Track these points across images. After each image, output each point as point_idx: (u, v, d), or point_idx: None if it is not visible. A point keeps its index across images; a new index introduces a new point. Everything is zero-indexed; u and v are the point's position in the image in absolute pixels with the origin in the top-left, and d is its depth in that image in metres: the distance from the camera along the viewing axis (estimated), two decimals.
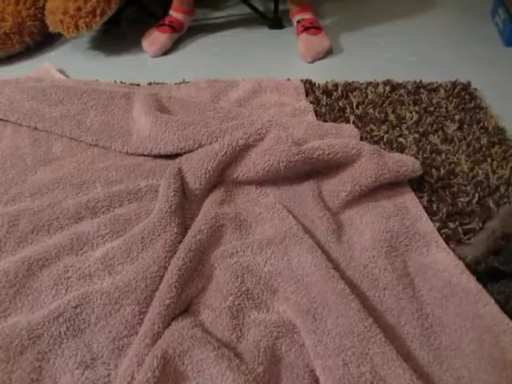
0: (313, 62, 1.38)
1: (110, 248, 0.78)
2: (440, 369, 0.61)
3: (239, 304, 0.68)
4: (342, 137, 0.99)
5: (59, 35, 1.44)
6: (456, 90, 1.20)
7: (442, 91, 1.20)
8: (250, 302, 0.69)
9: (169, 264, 0.73)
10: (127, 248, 0.77)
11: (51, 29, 1.40)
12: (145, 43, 1.45)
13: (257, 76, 1.26)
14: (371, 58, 1.40)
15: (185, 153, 0.94)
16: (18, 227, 0.82)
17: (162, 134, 0.97)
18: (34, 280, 0.74)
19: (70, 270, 0.75)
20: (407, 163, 0.89)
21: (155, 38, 1.45)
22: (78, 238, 0.80)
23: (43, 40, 1.50)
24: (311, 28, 1.42)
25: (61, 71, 1.35)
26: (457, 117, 1.11)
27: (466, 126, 1.08)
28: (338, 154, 0.88)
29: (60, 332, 0.66)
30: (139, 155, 0.99)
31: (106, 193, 0.88)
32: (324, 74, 1.31)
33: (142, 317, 0.68)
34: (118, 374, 0.61)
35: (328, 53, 1.41)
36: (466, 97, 1.17)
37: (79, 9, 1.34)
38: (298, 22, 1.47)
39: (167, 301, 0.66)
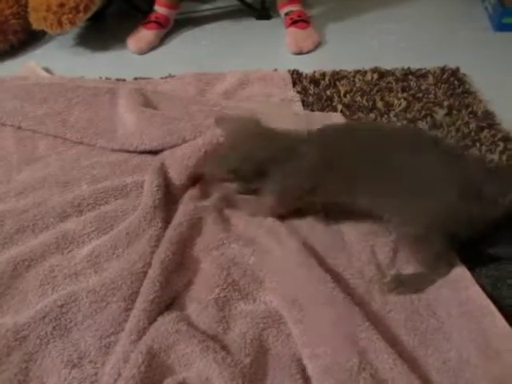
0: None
1: (96, 246, 0.77)
2: (426, 353, 0.61)
3: (225, 296, 0.67)
4: None
5: (44, 33, 1.43)
6: (445, 76, 1.19)
7: (430, 77, 1.19)
8: (237, 293, 0.68)
9: None
10: (113, 245, 0.76)
11: (35, 26, 1.38)
12: (131, 42, 1.43)
13: (245, 67, 1.25)
14: (359, 46, 1.39)
15: (170, 148, 0.93)
16: (2, 228, 0.81)
17: (146, 129, 0.96)
18: (20, 281, 0.74)
19: (56, 270, 0.74)
20: None
21: (142, 36, 1.44)
22: (63, 237, 0.79)
23: (28, 38, 1.48)
24: (299, 21, 1.41)
25: (46, 69, 1.33)
26: (445, 102, 1.10)
27: (454, 112, 1.07)
28: None
29: (46, 332, 0.65)
30: (125, 151, 0.98)
31: (91, 190, 0.87)
32: (312, 63, 1.29)
33: (128, 313, 0.67)
34: (105, 372, 0.61)
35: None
36: (455, 82, 1.16)
37: (62, 5, 1.33)
38: (287, 14, 1.46)
39: (151, 296, 0.65)
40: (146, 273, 0.70)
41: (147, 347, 0.60)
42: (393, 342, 0.60)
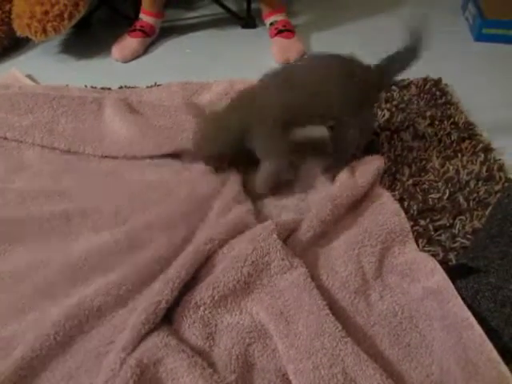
0: None
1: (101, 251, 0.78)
2: (410, 366, 0.62)
3: (211, 312, 0.67)
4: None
5: (28, 39, 1.41)
6: (427, 87, 1.21)
7: (413, 88, 1.21)
8: (222, 307, 0.68)
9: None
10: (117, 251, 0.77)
11: (18, 33, 1.37)
12: (115, 50, 1.43)
13: (230, 76, 1.25)
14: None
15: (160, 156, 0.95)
16: (10, 234, 0.81)
17: (137, 138, 0.97)
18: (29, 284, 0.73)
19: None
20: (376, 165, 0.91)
21: (126, 45, 1.43)
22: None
23: (11, 44, 1.47)
24: (284, 31, 1.42)
25: (29, 77, 1.32)
26: (428, 113, 1.12)
27: (437, 122, 1.09)
28: None
29: (51, 343, 0.65)
30: (113, 158, 0.97)
31: (83, 200, 0.87)
32: None
33: (127, 323, 0.67)
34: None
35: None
36: (437, 93, 1.19)
37: (46, 12, 1.32)
38: (271, 24, 1.47)
39: (144, 314, 0.65)
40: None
41: (136, 361, 0.60)
42: (377, 356, 0.61)
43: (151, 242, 0.78)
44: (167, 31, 1.54)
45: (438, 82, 1.23)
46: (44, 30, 1.34)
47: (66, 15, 1.34)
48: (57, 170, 0.95)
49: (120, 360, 0.60)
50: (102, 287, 0.70)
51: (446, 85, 1.22)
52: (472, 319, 0.62)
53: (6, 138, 1.04)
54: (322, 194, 0.84)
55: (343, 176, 0.89)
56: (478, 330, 0.61)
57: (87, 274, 0.75)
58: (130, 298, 0.72)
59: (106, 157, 0.99)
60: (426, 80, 1.23)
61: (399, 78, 1.23)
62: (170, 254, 0.76)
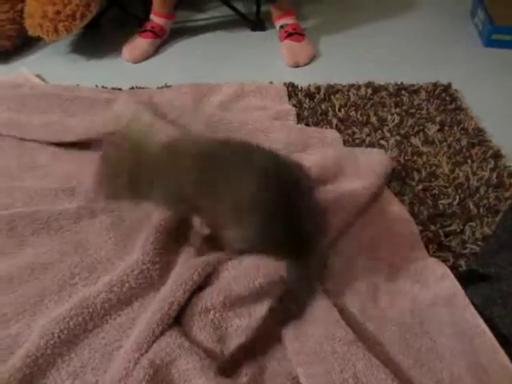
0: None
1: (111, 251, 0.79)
2: (420, 372, 0.62)
3: (221, 315, 0.68)
4: (325, 142, 0.99)
5: (38, 39, 1.42)
6: (437, 92, 1.21)
7: (423, 93, 1.21)
8: (232, 311, 0.68)
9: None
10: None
11: (30, 32, 1.38)
12: (126, 50, 1.43)
13: (240, 78, 1.26)
14: (353, 59, 1.41)
15: None
16: (16, 230, 0.81)
17: None
18: (37, 284, 0.74)
19: (77, 277, 0.75)
20: (383, 165, 0.90)
21: (137, 45, 1.44)
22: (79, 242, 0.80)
23: (22, 43, 1.47)
24: (294, 34, 1.42)
25: (39, 76, 1.32)
26: (438, 118, 1.12)
27: (446, 128, 1.09)
28: (321, 173, 0.88)
29: (55, 342, 0.65)
30: None
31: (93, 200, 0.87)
32: (306, 76, 1.31)
33: (134, 323, 0.68)
34: (106, 381, 0.61)
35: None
36: (447, 98, 1.19)
37: (58, 12, 1.33)
38: (281, 27, 1.47)
39: (158, 314, 0.65)
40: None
41: (149, 361, 0.60)
42: (388, 362, 0.61)
43: None
44: (177, 32, 1.55)
45: (447, 87, 1.23)
46: (56, 30, 1.34)
47: (77, 15, 1.35)
48: (68, 170, 0.95)
49: (134, 360, 0.61)
50: (106, 284, 0.71)
51: (455, 90, 1.22)
52: (484, 326, 0.62)
53: (17, 137, 1.04)
54: (332, 198, 0.84)
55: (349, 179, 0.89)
56: (490, 336, 0.61)
57: (93, 273, 0.76)
58: (133, 296, 0.72)
59: None
60: (435, 85, 1.23)
61: (409, 82, 1.24)
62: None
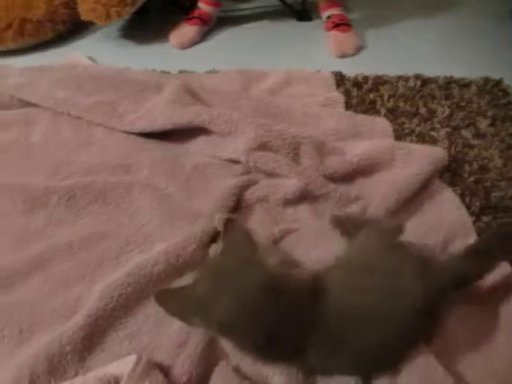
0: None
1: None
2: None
3: None
4: (375, 130, 0.99)
5: (90, 23, 1.46)
6: (488, 86, 1.18)
7: (473, 87, 1.18)
8: None
9: None
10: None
11: (83, 17, 1.42)
12: (173, 37, 1.46)
13: (286, 67, 1.26)
14: (400, 52, 1.39)
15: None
16: (74, 200, 0.84)
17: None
18: (96, 251, 0.77)
19: (132, 244, 0.78)
20: (436, 156, 0.89)
21: (184, 32, 1.47)
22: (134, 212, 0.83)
23: (74, 28, 1.52)
24: (341, 25, 1.42)
25: (91, 59, 1.36)
26: (489, 113, 1.10)
27: (498, 122, 1.07)
28: (374, 159, 0.88)
29: (114, 306, 0.67)
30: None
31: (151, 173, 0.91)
32: (352, 67, 1.30)
33: None
34: (162, 343, 0.63)
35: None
36: (499, 93, 1.16)
37: None
38: (328, 17, 1.47)
39: None
40: None
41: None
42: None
43: None
44: (224, 21, 1.57)
45: (499, 82, 1.20)
46: (108, 15, 1.38)
47: (129, 1, 1.38)
48: (123, 147, 0.97)
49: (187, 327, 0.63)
50: (162, 255, 0.73)
51: (508, 85, 1.19)
52: None
53: (71, 115, 1.08)
54: (385, 182, 0.83)
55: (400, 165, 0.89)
56: None
57: (147, 240, 0.78)
58: (187, 267, 0.72)
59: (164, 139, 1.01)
60: (486, 80, 1.21)
61: (458, 76, 1.22)
62: None
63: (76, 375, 0.62)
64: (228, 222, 0.67)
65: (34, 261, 0.75)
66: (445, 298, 0.61)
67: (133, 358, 0.60)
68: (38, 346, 0.63)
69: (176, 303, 0.60)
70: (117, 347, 0.65)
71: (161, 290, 0.65)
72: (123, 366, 0.60)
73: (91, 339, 0.64)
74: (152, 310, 0.68)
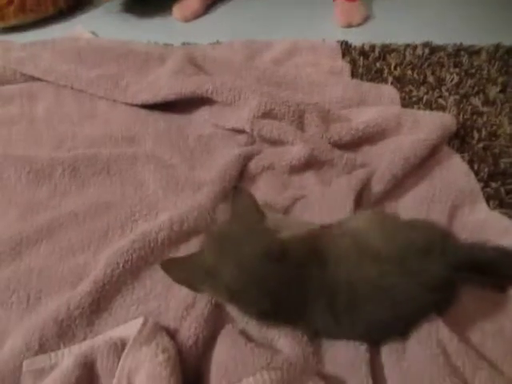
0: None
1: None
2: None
3: None
4: (382, 98, 0.97)
5: None
6: (499, 53, 1.16)
7: (483, 54, 1.16)
8: None
9: None
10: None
11: None
12: (176, 9, 1.44)
13: (292, 38, 1.23)
14: (408, 20, 1.36)
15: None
16: (79, 171, 0.84)
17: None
18: (101, 220, 0.77)
19: (137, 214, 0.77)
20: (444, 122, 0.87)
21: (187, 4, 1.44)
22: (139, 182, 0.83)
23: (75, 3, 1.50)
24: None
25: (93, 34, 1.35)
26: (499, 80, 1.07)
27: (509, 89, 1.04)
28: (380, 126, 0.86)
29: (120, 272, 0.67)
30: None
31: (155, 145, 0.90)
32: (360, 36, 1.27)
33: None
34: (170, 307, 0.64)
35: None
36: (510, 60, 1.13)
37: None
38: None
39: None
40: None
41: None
42: None
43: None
44: None
45: (510, 49, 1.17)
46: None
47: None
48: (127, 120, 0.97)
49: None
50: (166, 222, 0.72)
51: None
52: None
53: (74, 88, 1.07)
54: (391, 148, 0.82)
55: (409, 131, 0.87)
56: None
57: (152, 210, 0.78)
58: (191, 234, 0.73)
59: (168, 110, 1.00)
60: (497, 47, 1.18)
61: (468, 43, 1.19)
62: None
63: (85, 339, 0.63)
64: (236, 190, 0.66)
65: (40, 230, 0.75)
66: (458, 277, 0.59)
67: (139, 320, 0.61)
68: (46, 311, 0.64)
69: (183, 271, 0.60)
70: (124, 312, 0.65)
71: (167, 259, 0.66)
72: (130, 328, 0.60)
73: (98, 304, 0.64)
74: (159, 275, 0.68)
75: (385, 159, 0.80)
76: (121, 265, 0.67)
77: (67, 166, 0.85)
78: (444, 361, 0.55)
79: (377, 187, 0.77)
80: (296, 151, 0.82)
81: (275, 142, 0.86)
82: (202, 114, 0.96)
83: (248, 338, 0.60)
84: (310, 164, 0.82)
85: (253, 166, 0.84)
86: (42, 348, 0.60)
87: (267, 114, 0.86)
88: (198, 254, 0.60)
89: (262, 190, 0.81)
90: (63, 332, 0.62)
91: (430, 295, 0.57)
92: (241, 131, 0.91)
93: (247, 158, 0.85)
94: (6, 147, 0.93)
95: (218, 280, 0.56)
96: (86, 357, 0.58)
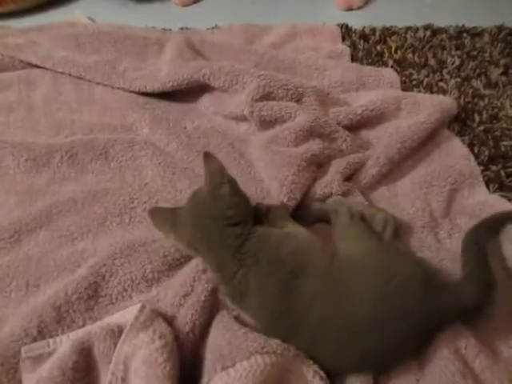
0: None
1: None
2: None
3: None
4: (381, 81, 0.96)
5: None
6: (501, 35, 1.14)
7: (486, 36, 1.14)
8: None
9: None
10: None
11: None
12: None
13: (291, 22, 1.22)
14: (410, 2, 1.33)
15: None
16: (77, 157, 0.84)
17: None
18: (99, 207, 0.77)
19: (136, 201, 0.77)
20: (444, 105, 0.86)
21: None
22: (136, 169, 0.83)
23: None
24: None
25: (90, 19, 1.33)
26: (502, 61, 1.05)
27: (511, 71, 1.03)
28: (379, 109, 0.85)
29: (116, 255, 0.68)
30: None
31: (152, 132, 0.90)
32: (360, 19, 1.25)
33: None
34: (168, 294, 0.64)
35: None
36: None
37: None
38: None
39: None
40: None
41: (207, 278, 0.63)
42: None
43: None
44: None
45: None
46: None
47: None
48: (125, 107, 0.96)
49: (196, 277, 0.64)
50: None
51: None
52: None
53: (71, 75, 1.06)
54: (389, 132, 0.81)
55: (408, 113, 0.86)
56: None
57: (152, 198, 0.78)
58: None
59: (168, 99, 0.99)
60: (500, 28, 1.16)
61: (471, 25, 1.17)
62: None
63: (84, 325, 0.63)
64: (206, 156, 0.68)
65: (39, 217, 0.76)
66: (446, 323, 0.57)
67: (136, 307, 0.61)
68: (44, 297, 0.64)
69: (161, 219, 0.67)
70: (122, 299, 0.65)
71: (154, 207, 0.73)
72: (127, 315, 0.61)
73: (96, 290, 0.65)
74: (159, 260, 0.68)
75: (381, 142, 0.79)
76: (118, 250, 0.67)
77: (65, 153, 0.84)
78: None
79: (371, 170, 0.77)
80: (298, 121, 0.81)
81: (276, 122, 0.85)
82: (202, 102, 0.96)
83: (242, 323, 0.60)
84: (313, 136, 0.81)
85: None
86: (41, 334, 0.61)
87: (265, 97, 0.85)
88: (180, 208, 0.67)
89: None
90: (61, 318, 0.62)
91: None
92: (241, 119, 0.90)
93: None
94: (4, 134, 0.93)
95: (181, 232, 0.65)
96: (83, 343, 0.58)
